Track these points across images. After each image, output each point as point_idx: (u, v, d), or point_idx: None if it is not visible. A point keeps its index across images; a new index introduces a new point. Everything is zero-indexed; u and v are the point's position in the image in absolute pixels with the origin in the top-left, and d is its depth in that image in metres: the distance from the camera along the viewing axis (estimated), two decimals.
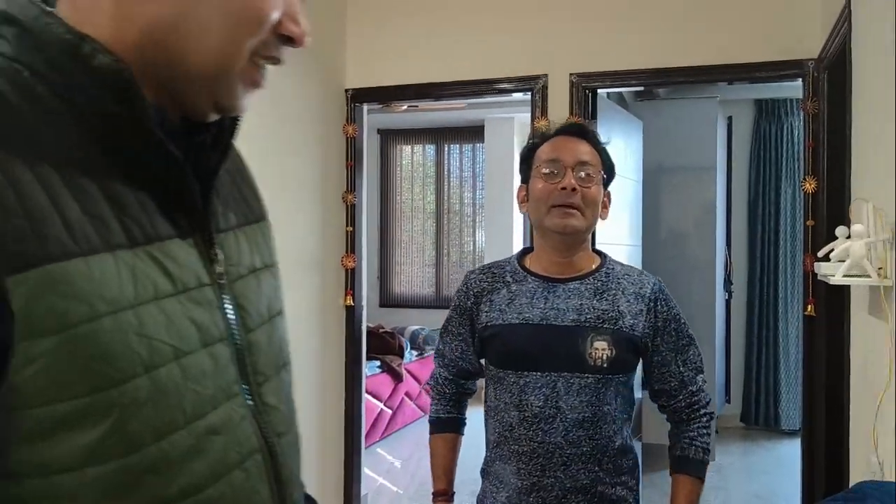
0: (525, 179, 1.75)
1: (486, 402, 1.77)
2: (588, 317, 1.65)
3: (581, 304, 1.67)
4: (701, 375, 1.78)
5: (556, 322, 1.65)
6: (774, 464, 5.29)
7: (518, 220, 6.69)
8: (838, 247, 1.99)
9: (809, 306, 3.15)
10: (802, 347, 3.36)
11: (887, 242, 1.88)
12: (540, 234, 1.73)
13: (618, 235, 4.09)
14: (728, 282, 5.79)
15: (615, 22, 3.53)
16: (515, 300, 1.70)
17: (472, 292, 1.77)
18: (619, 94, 4.98)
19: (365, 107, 3.98)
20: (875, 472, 1.91)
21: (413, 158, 8.01)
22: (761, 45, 3.30)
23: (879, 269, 1.92)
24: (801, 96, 3.29)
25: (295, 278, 3.46)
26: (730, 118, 5.92)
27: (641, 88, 4.65)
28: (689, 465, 1.72)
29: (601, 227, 3.72)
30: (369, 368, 5.21)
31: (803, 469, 3.25)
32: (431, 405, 1.89)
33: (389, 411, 5.82)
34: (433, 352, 1.94)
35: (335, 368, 3.84)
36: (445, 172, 7.83)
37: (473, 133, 7.38)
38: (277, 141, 3.32)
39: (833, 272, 1.94)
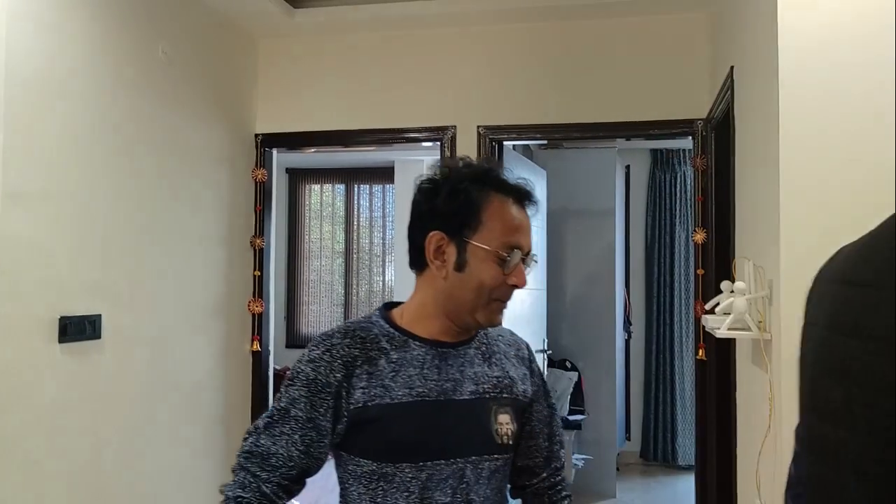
0: (451, 232, 1.35)
1: None
2: (485, 386, 1.40)
3: (475, 373, 1.40)
4: (563, 451, 1.57)
5: (455, 396, 1.36)
6: (672, 499, 5.49)
7: None
8: (723, 301, 2.14)
9: (700, 350, 3.34)
10: (695, 389, 3.54)
11: (766, 299, 2.04)
12: (453, 307, 1.37)
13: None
14: (627, 322, 6.02)
15: (522, 78, 3.69)
16: (401, 372, 1.34)
17: (338, 362, 1.33)
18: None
19: (275, 151, 3.99)
20: None
21: (322, 198, 8.01)
22: (656, 104, 3.52)
23: (759, 322, 2.07)
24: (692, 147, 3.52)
25: (199, 323, 3.42)
26: (627, 166, 6.21)
27: (545, 142, 4.84)
28: None
29: None
30: None
31: None
32: None
33: None
34: (244, 453, 1.35)
35: (241, 413, 3.78)
36: (355, 212, 7.87)
37: (383, 174, 7.45)
38: (185, 186, 3.29)
39: (718, 325, 2.08)
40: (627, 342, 6.15)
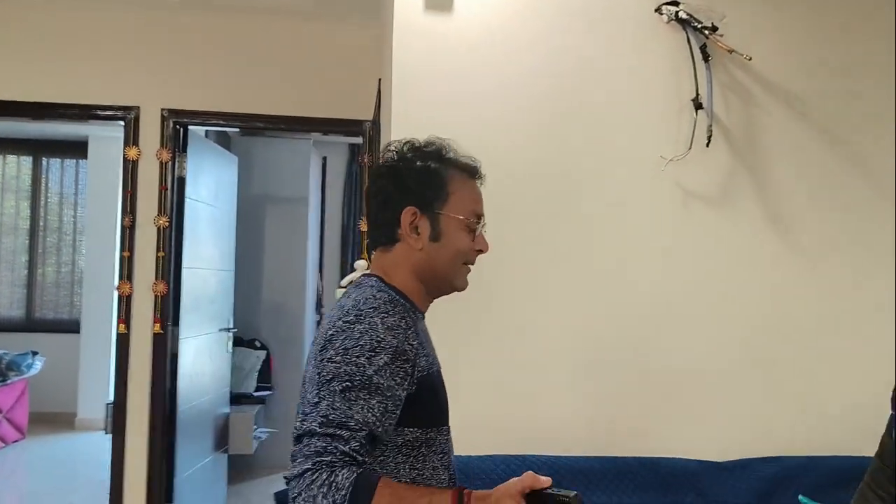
0: (423, 207, 1.43)
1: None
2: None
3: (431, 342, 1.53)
4: None
5: (439, 366, 1.49)
6: None
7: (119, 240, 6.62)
8: (351, 277, 2.54)
9: None
10: None
11: None
12: (431, 276, 1.45)
13: (210, 260, 4.39)
14: (319, 304, 6.40)
15: (210, 65, 3.87)
16: (424, 342, 1.42)
17: (411, 329, 1.35)
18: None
19: None
20: None
21: (5, 170, 7.44)
22: (334, 104, 3.89)
23: None
24: None
25: None
26: (325, 158, 6.60)
27: (226, 129, 5.05)
28: None
29: (191, 252, 4.01)
30: None
31: None
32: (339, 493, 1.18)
33: None
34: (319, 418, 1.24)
35: None
36: (43, 187, 7.41)
37: (76, 148, 7.12)
38: None
39: None
40: (319, 323, 6.53)
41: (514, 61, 2.56)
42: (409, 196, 1.42)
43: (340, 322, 1.32)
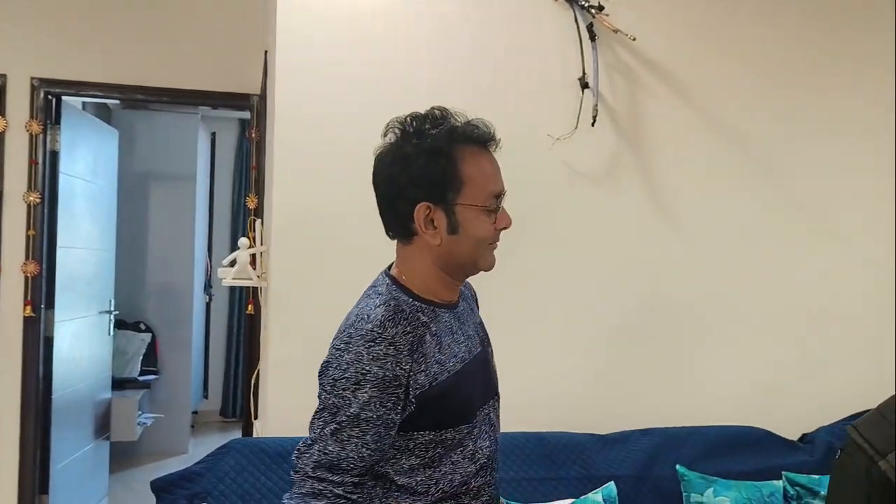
0: (436, 199, 1.33)
1: (399, 478, 1.35)
2: (481, 334, 1.51)
3: (474, 323, 1.51)
4: None
5: (475, 351, 1.44)
6: None
7: None
8: (233, 255, 2.46)
9: (250, 305, 3.67)
10: (245, 342, 3.88)
11: (266, 254, 2.40)
12: (454, 265, 1.39)
13: (88, 239, 4.17)
14: (208, 284, 6.21)
15: (87, 32, 3.63)
16: (443, 342, 1.37)
17: (403, 354, 1.29)
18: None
19: None
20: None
21: None
22: (221, 76, 3.73)
23: (263, 273, 2.43)
24: None
25: None
26: (213, 133, 6.38)
27: (105, 101, 4.80)
28: None
29: (67, 230, 3.80)
30: None
31: None
32: None
33: None
34: (311, 463, 1.27)
35: None
36: None
37: None
38: None
39: (226, 276, 2.39)
40: (209, 304, 6.34)
41: (401, 35, 2.51)
42: (421, 189, 1.32)
43: (334, 346, 1.31)
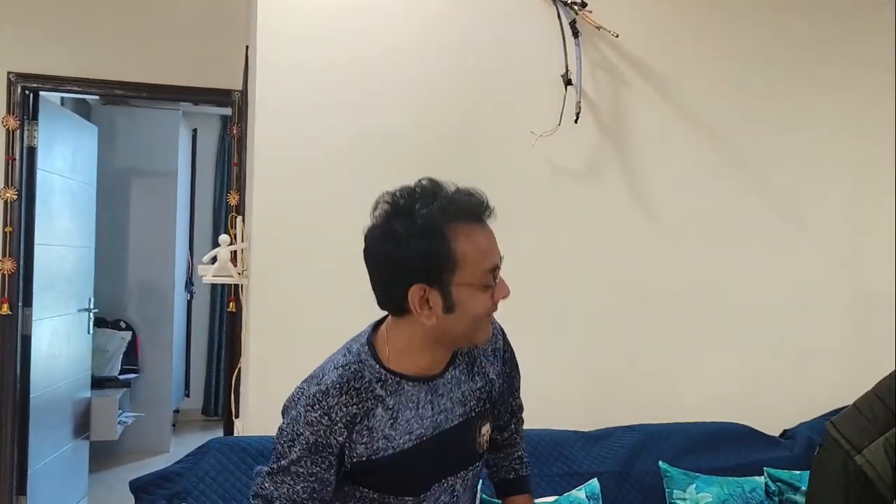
0: (431, 281, 1.28)
1: None
2: (471, 404, 1.43)
3: (462, 393, 1.42)
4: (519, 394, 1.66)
5: (447, 426, 1.38)
6: None
7: None
8: (214, 252, 2.44)
9: (231, 303, 3.64)
10: (227, 339, 3.85)
11: (247, 251, 2.37)
12: (448, 340, 1.35)
13: (67, 236, 4.12)
14: (190, 282, 6.16)
15: (66, 26, 3.59)
16: (399, 418, 1.33)
17: (338, 425, 1.28)
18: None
19: None
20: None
21: None
22: (202, 72, 3.69)
23: (244, 270, 2.41)
24: None
25: None
26: (195, 129, 6.32)
27: (83, 97, 4.74)
28: (527, 483, 1.65)
29: (44, 227, 3.75)
30: None
31: None
32: None
33: None
34: (252, 493, 1.36)
35: None
36: None
37: None
38: None
39: (206, 273, 2.37)
40: (190, 302, 6.29)
41: (384, 31, 2.50)
42: (414, 272, 1.27)
43: (291, 395, 1.34)
